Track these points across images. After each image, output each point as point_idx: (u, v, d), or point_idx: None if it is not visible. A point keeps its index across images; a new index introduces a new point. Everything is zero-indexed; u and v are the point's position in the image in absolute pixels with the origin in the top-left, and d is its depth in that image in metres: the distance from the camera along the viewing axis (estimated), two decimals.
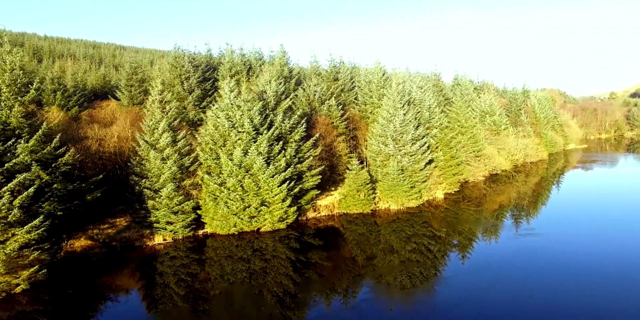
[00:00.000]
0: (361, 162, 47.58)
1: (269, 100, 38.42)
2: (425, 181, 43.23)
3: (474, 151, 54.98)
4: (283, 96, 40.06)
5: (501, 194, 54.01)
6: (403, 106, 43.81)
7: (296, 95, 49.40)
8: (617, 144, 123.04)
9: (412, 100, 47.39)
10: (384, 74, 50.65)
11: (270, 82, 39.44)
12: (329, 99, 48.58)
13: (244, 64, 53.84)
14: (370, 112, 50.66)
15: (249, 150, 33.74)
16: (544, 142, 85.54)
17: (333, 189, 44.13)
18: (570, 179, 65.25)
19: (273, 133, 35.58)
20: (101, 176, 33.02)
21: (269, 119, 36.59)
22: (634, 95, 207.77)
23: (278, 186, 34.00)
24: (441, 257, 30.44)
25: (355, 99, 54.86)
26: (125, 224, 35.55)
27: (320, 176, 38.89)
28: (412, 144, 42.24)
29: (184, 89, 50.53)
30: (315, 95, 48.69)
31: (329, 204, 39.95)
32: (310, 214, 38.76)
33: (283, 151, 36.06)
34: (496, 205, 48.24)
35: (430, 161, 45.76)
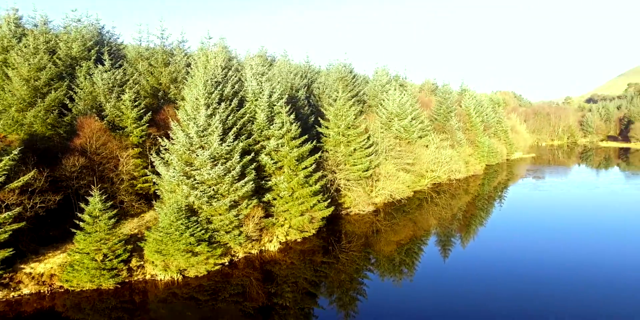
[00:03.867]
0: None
1: None
2: (239, 226, 26.51)
3: (358, 171, 38.73)
4: None
5: (404, 228, 37.81)
6: (212, 103, 27.11)
7: (77, 85, 32.24)
8: (569, 152, 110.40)
9: (243, 96, 30.67)
10: (215, 57, 33.40)
11: None
12: (124, 91, 31.46)
13: (16, 36, 35.93)
14: None
15: None
16: (480, 152, 70.56)
17: None
18: (509, 202, 50.08)
19: None
20: None
21: None
22: (589, 100, 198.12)
23: None
24: None
25: None
26: None
27: (22, 223, 21.69)
28: (213, 165, 25.49)
29: None
30: (102, 85, 31.49)
31: (46, 272, 22.68)
32: None
33: None
34: (391, 246, 32.59)
35: (263, 191, 29.20)
